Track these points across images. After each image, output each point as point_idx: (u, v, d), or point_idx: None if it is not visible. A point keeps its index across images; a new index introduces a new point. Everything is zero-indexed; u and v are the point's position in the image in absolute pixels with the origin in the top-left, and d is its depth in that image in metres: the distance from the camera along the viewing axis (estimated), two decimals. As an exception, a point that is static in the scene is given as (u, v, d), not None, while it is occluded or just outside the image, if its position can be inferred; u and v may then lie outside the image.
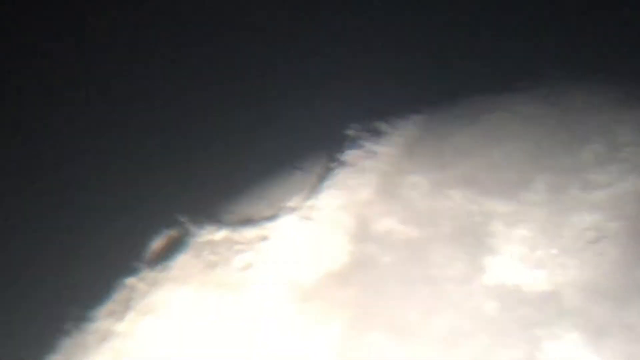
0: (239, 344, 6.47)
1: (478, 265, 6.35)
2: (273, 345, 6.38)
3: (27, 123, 7.69)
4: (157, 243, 7.09)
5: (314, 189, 7.11)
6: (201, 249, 7.01)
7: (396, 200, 6.86)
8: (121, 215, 7.19)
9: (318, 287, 6.58)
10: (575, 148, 6.81)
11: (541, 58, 7.22)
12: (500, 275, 6.28)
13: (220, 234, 7.05)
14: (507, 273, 6.28)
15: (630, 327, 5.80)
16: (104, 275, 6.96)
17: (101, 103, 7.70)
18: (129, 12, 7.93)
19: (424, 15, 7.68)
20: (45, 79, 7.88)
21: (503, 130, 7.02)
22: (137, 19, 7.94)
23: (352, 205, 6.94)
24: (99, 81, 7.81)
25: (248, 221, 7.07)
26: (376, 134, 7.25)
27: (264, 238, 6.94)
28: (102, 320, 6.80)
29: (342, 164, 7.18)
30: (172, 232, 7.12)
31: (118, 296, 6.91)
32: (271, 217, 7.06)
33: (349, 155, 7.21)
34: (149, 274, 6.99)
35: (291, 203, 7.08)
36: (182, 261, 7.01)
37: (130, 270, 7.01)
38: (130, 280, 6.96)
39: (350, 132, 7.28)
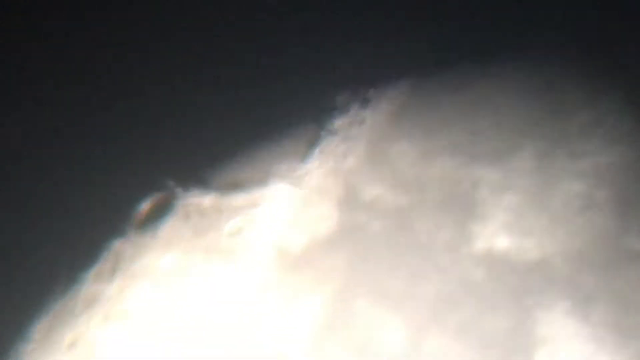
0: (226, 310, 6.37)
1: (466, 232, 6.21)
2: (260, 311, 6.27)
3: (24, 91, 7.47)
4: (145, 207, 6.90)
5: (303, 156, 6.90)
6: (190, 214, 6.83)
7: (384, 167, 6.69)
8: (109, 179, 7.01)
9: (306, 254, 6.45)
10: (562, 117, 6.64)
11: (529, 27, 7.00)
12: (489, 242, 6.12)
13: (209, 199, 6.86)
14: (496, 240, 6.11)
15: (618, 295, 5.67)
16: (92, 238, 6.84)
17: (90, 69, 7.44)
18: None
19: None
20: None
21: (490, 99, 6.83)
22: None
23: (341, 172, 6.78)
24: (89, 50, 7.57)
25: (237, 187, 6.89)
26: (364, 101, 7.04)
27: (253, 204, 6.77)
28: (90, 283, 6.67)
29: (331, 131, 6.97)
30: (160, 196, 6.92)
31: (106, 259, 6.73)
32: (260, 184, 6.88)
33: (338, 122, 6.99)
34: (137, 238, 6.81)
35: (280, 170, 6.88)
36: (171, 225, 6.86)
37: (118, 233, 6.83)
38: (118, 244, 6.76)
39: (339, 100, 7.06)
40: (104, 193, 6.97)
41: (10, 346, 6.51)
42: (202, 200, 6.89)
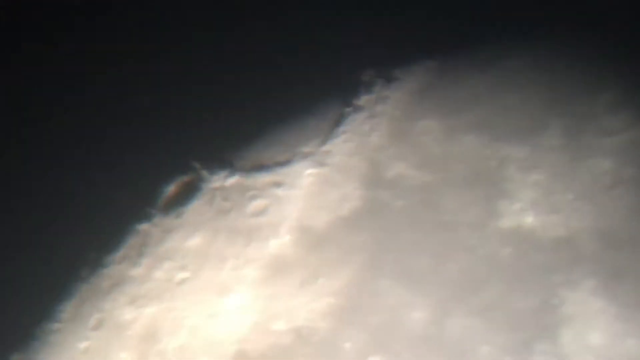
0: (250, 290, 6.27)
1: (492, 210, 6.01)
2: (284, 290, 6.15)
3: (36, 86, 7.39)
4: (170, 189, 6.81)
5: (328, 134, 6.77)
6: (214, 195, 6.73)
7: (409, 145, 6.52)
8: (135, 162, 6.93)
9: (330, 233, 6.32)
10: (589, 94, 6.41)
11: (555, 4, 6.78)
12: (515, 220, 5.92)
13: (233, 180, 6.74)
14: (522, 218, 5.91)
15: (646, 273, 5.45)
16: (118, 221, 6.81)
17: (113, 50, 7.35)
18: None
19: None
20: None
21: (517, 76, 6.62)
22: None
23: (365, 150, 6.63)
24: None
25: (261, 167, 6.79)
26: (389, 79, 6.86)
27: (277, 184, 6.65)
28: (116, 265, 6.63)
29: (356, 109, 6.81)
30: (185, 178, 6.83)
31: (132, 242, 6.70)
32: (284, 163, 6.78)
33: (363, 100, 6.83)
34: (162, 220, 6.78)
35: (305, 148, 6.77)
36: (196, 207, 6.77)
37: (144, 216, 6.80)
38: (144, 226, 6.72)
39: (364, 78, 6.90)
40: (130, 176, 6.90)
41: (37, 326, 6.48)
42: (227, 181, 6.76)
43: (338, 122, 6.80)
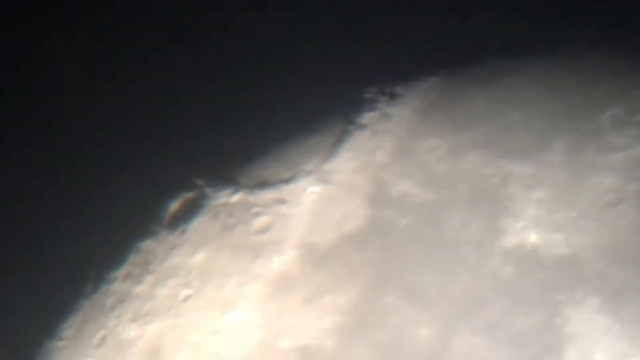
0: (254, 307, 6.22)
1: (495, 228, 5.97)
2: (289, 307, 6.10)
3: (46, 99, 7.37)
4: (174, 206, 6.77)
5: (331, 151, 6.74)
6: (218, 212, 6.70)
7: (412, 163, 6.49)
8: (139, 179, 6.89)
9: (334, 250, 6.27)
10: (592, 111, 6.37)
11: (557, 21, 6.75)
12: (518, 238, 5.88)
13: (236, 197, 6.70)
14: (525, 236, 5.87)
15: (650, 291, 5.40)
16: (122, 238, 6.79)
17: (116, 66, 7.32)
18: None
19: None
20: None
21: (519, 94, 6.58)
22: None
23: (369, 168, 6.60)
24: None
25: (265, 184, 6.74)
26: (392, 96, 6.83)
27: (281, 201, 6.60)
28: (120, 282, 6.59)
29: (359, 126, 6.76)
30: (189, 195, 6.78)
31: (136, 259, 6.69)
32: (288, 180, 6.73)
33: (366, 118, 6.80)
34: (166, 237, 6.74)
35: (308, 166, 6.74)
36: (200, 224, 6.73)
37: (148, 233, 6.76)
38: (147, 243, 6.69)
39: (367, 95, 6.86)
40: (134, 193, 6.86)
41: (41, 344, 6.44)
42: (231, 198, 6.72)
43: (341, 139, 6.76)
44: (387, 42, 6.98)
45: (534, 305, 5.53)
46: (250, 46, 7.25)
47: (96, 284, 6.60)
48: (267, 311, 6.14)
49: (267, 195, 6.69)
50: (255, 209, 6.65)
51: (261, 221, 6.57)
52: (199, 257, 6.56)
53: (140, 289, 6.52)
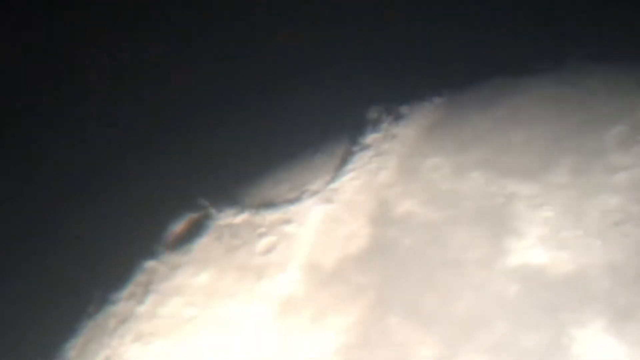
0: (259, 328, 6.12)
1: (500, 247, 5.87)
2: (294, 328, 6.01)
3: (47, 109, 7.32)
4: (178, 226, 6.71)
5: (336, 172, 6.65)
6: (222, 232, 6.63)
7: (416, 182, 6.42)
8: (143, 199, 6.86)
9: (339, 271, 6.19)
10: (598, 130, 6.28)
11: (562, 39, 6.68)
12: (523, 257, 5.79)
13: (241, 217, 6.64)
14: (530, 255, 5.77)
15: (656, 311, 5.28)
16: (125, 258, 6.71)
17: (118, 84, 7.27)
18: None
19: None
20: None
21: (524, 113, 6.51)
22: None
23: (373, 188, 6.53)
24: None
25: (270, 204, 6.67)
26: (397, 116, 6.76)
27: (285, 221, 6.53)
28: (123, 302, 6.55)
29: (364, 147, 6.69)
30: (193, 215, 6.71)
31: (139, 279, 6.60)
32: (293, 200, 6.67)
33: (370, 138, 6.72)
34: (170, 257, 6.68)
35: (313, 186, 6.67)
36: (203, 244, 6.69)
37: (151, 253, 6.71)
38: (151, 264, 6.64)
39: (371, 115, 6.78)
40: (137, 213, 6.79)
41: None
42: (235, 218, 6.65)
43: (345, 160, 6.69)
44: (391, 62, 6.92)
45: (539, 326, 5.41)
46: (255, 66, 7.20)
47: (100, 304, 6.50)
48: (271, 332, 6.04)
49: (272, 215, 6.62)
50: (260, 230, 6.57)
51: (266, 241, 6.50)
52: (203, 277, 6.49)
53: (143, 308, 6.44)
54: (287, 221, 6.54)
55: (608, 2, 6.76)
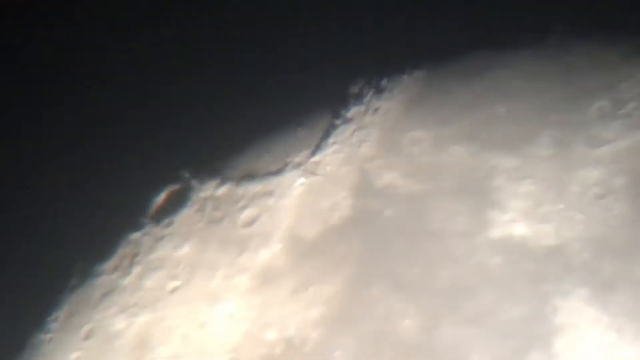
0: (241, 299, 6.11)
1: (482, 219, 5.85)
2: (276, 299, 6.00)
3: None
4: (161, 199, 6.61)
5: (318, 144, 6.60)
6: (205, 204, 6.54)
7: (398, 155, 6.38)
8: (125, 172, 6.77)
9: (321, 242, 6.17)
10: (580, 104, 6.24)
11: (544, 13, 6.62)
12: (506, 230, 5.76)
13: (223, 189, 6.56)
14: (513, 227, 5.75)
15: (638, 283, 5.27)
16: (109, 230, 6.65)
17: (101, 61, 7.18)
18: None
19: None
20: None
21: (506, 86, 6.45)
22: None
23: (355, 160, 6.46)
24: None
25: (252, 176, 6.56)
26: (378, 90, 6.69)
27: (267, 193, 6.45)
28: (107, 274, 6.47)
29: (346, 120, 6.61)
30: (175, 187, 6.63)
31: (123, 251, 6.53)
32: (275, 172, 6.59)
33: (352, 111, 6.65)
34: (153, 229, 6.60)
35: (296, 158, 6.58)
36: (187, 217, 6.59)
37: (135, 225, 6.62)
38: (135, 236, 6.53)
39: (353, 89, 6.72)
40: (120, 186, 6.74)
41: (28, 336, 6.30)
42: (217, 190, 6.58)
43: (328, 132, 6.63)
44: (372, 36, 6.85)
45: (522, 296, 5.41)
46: (236, 41, 7.12)
47: (83, 276, 6.44)
48: (253, 303, 6.02)
49: (254, 187, 6.56)
50: (242, 202, 6.51)
51: (248, 214, 6.44)
52: (185, 250, 6.44)
53: (127, 281, 6.39)
54: (269, 193, 6.49)
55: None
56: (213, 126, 6.82)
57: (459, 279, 5.64)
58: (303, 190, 6.41)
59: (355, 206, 6.19)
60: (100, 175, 6.79)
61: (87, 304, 6.39)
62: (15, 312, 6.35)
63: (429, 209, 6.03)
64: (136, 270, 6.43)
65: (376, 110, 6.63)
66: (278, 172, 6.56)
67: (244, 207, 6.48)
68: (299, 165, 6.54)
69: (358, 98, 6.72)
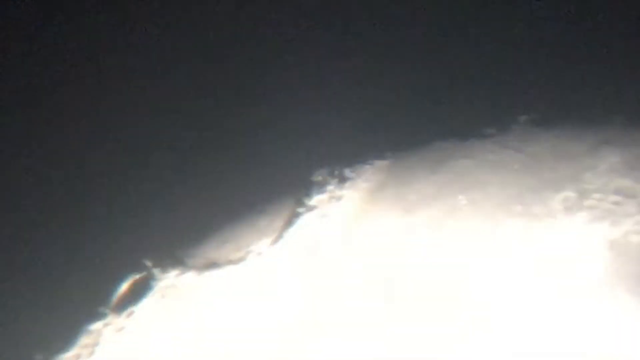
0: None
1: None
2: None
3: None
4: (122, 288, 6.48)
5: (280, 233, 6.43)
6: (166, 293, 6.39)
7: (360, 247, 6.14)
8: (87, 260, 6.64)
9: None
10: (544, 195, 6.07)
11: (508, 104, 6.50)
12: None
13: (185, 278, 6.41)
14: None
15: None
16: (70, 321, 6.45)
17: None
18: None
19: (389, 61, 7.00)
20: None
21: (469, 177, 6.33)
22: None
23: (317, 251, 6.25)
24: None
25: (213, 265, 6.42)
26: (341, 179, 6.57)
27: (228, 283, 6.29)
28: None
29: (309, 208, 6.48)
30: (137, 277, 6.50)
31: (84, 341, 6.35)
32: (236, 261, 6.40)
33: (315, 200, 6.52)
34: (114, 319, 6.42)
35: (257, 247, 6.41)
36: (147, 306, 6.41)
37: (96, 315, 6.46)
38: (96, 326, 6.38)
39: (317, 178, 6.60)
40: (82, 274, 6.59)
41: None
42: (179, 279, 6.45)
43: (290, 221, 6.50)
44: (335, 126, 6.75)
45: None
46: (201, 125, 7.04)
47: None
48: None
49: (214, 276, 6.42)
50: (203, 291, 6.37)
51: (208, 304, 6.29)
52: (146, 340, 6.27)
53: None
54: (229, 283, 6.36)
55: (553, 68, 6.62)
56: (174, 214, 6.72)
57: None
58: (262, 281, 6.27)
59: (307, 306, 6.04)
60: (62, 265, 6.67)
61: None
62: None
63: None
64: (97, 360, 6.29)
65: (339, 199, 6.51)
66: (238, 261, 6.42)
67: (204, 297, 6.34)
68: (259, 254, 6.40)
69: (321, 186, 6.60)
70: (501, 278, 5.74)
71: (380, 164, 6.57)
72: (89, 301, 6.49)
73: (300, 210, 6.55)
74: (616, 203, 5.96)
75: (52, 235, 6.80)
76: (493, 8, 6.71)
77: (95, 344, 6.35)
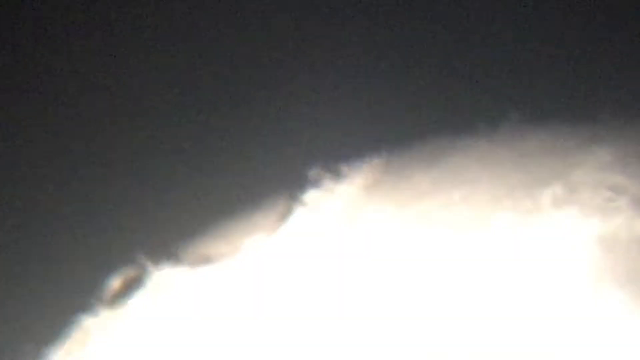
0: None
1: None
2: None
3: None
4: (115, 282, 6.47)
5: (275, 228, 6.45)
6: (159, 288, 6.39)
7: (355, 244, 6.19)
8: (80, 255, 6.64)
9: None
10: (533, 191, 6.16)
11: (500, 101, 6.60)
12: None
13: (178, 273, 6.43)
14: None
15: None
16: (62, 315, 6.44)
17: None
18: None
19: (383, 58, 7.09)
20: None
21: (462, 172, 6.39)
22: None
23: (311, 246, 6.28)
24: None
25: (207, 260, 6.44)
26: (337, 174, 6.61)
27: (222, 278, 6.29)
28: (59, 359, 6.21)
29: (303, 204, 6.51)
30: (130, 271, 6.49)
31: (76, 335, 6.33)
32: (230, 257, 6.43)
33: (310, 195, 6.55)
34: (107, 314, 6.42)
35: (251, 242, 6.42)
36: (141, 300, 6.42)
37: (88, 309, 6.45)
38: (88, 320, 6.36)
39: (312, 173, 6.64)
40: (74, 268, 6.58)
41: None
42: (172, 274, 6.45)
43: (285, 216, 6.53)
44: (332, 121, 6.81)
45: None
46: (194, 124, 7.07)
47: (35, 360, 6.29)
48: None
49: (208, 271, 6.42)
50: (196, 286, 6.37)
51: (202, 298, 6.29)
52: (138, 335, 6.26)
53: (79, 366, 6.23)
54: (223, 278, 6.36)
55: (544, 65, 6.73)
56: (169, 209, 6.74)
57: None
58: (256, 276, 6.29)
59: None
60: (54, 259, 6.68)
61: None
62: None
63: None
64: (88, 355, 6.25)
65: (334, 194, 6.56)
66: (232, 256, 6.44)
67: (197, 291, 6.35)
68: (253, 249, 6.42)
69: (316, 182, 6.64)
70: (491, 272, 5.83)
71: (375, 159, 6.63)
72: (81, 295, 6.49)
73: (295, 205, 6.58)
74: (606, 199, 6.06)
75: (45, 229, 6.79)
76: (484, 6, 6.81)
77: (88, 339, 6.34)
